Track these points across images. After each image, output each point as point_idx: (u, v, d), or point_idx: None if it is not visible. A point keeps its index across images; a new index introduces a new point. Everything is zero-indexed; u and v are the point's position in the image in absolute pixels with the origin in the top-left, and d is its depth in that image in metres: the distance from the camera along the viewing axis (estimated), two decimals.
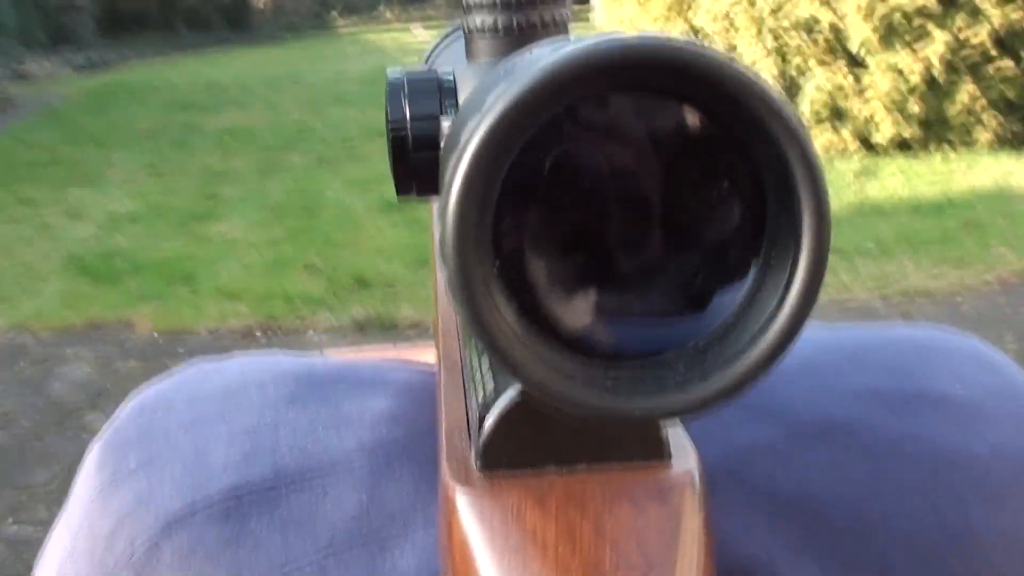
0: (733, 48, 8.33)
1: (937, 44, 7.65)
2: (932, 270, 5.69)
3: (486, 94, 0.41)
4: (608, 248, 0.45)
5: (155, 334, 5.45)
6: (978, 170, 7.67)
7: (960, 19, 7.71)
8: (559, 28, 0.61)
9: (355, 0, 27.24)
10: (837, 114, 8.10)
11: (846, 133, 8.08)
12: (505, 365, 0.41)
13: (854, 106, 7.94)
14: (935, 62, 7.66)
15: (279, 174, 9.14)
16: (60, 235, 7.33)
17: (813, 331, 0.80)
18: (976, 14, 7.71)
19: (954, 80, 7.83)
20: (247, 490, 0.64)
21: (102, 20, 21.08)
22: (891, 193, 7.21)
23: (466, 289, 0.40)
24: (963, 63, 7.79)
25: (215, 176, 9.10)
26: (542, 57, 0.40)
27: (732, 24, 8.28)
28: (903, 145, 8.11)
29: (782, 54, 8.09)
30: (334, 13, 26.52)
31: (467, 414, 0.57)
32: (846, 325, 0.78)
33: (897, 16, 7.66)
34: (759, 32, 8.08)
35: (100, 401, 4.66)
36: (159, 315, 5.67)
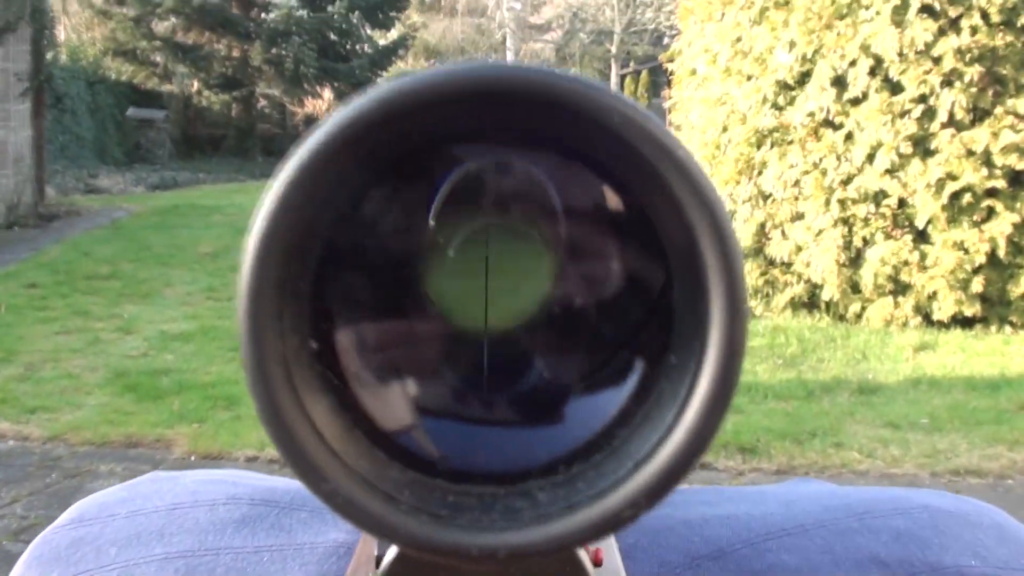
0: (800, 216, 8.32)
1: (1003, 223, 7.59)
2: (985, 450, 5.56)
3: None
4: (451, 336, 0.37)
5: (192, 456, 5.39)
6: None
7: None
8: None
9: None
10: (899, 287, 8.02)
11: (907, 307, 8.00)
12: (301, 474, 0.33)
13: (917, 281, 7.87)
14: (1000, 242, 7.59)
15: None
16: (109, 349, 7.36)
17: (817, 488, 0.72)
18: None
19: (1018, 260, 7.75)
20: None
21: (179, 142, 21.57)
22: (948, 369, 7.10)
23: (258, 369, 0.32)
24: None
25: None
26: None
27: (801, 192, 8.28)
28: (963, 322, 8.02)
29: (849, 224, 8.06)
30: None
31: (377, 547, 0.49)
32: (856, 487, 0.70)
33: (966, 195, 7.63)
34: (828, 201, 8.07)
35: None
36: (198, 437, 5.62)
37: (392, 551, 0.42)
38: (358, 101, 0.31)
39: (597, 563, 0.45)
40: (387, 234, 0.36)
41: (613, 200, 0.35)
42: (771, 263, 8.62)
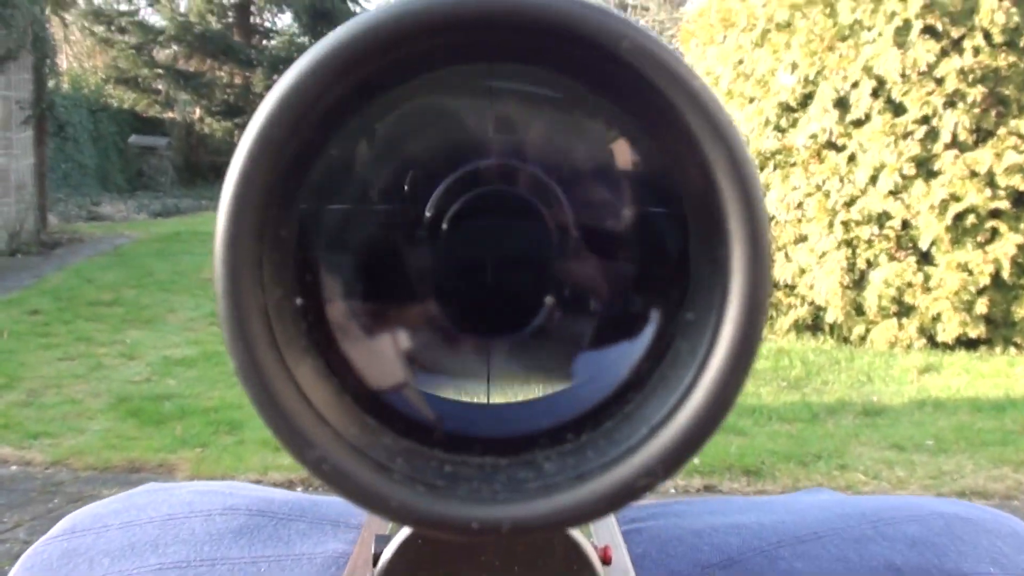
0: (803, 238, 8.32)
1: (1007, 244, 7.58)
2: (991, 471, 5.54)
3: None
4: (448, 288, 0.34)
5: (194, 481, 5.34)
6: None
7: None
8: None
9: None
10: (903, 309, 8.00)
11: (911, 328, 7.98)
12: (284, 439, 0.30)
13: (921, 302, 7.85)
14: (1004, 263, 7.57)
15: None
16: (112, 375, 7.34)
17: (828, 496, 0.70)
18: None
19: (1023, 281, 7.74)
20: None
21: (182, 169, 21.59)
22: (953, 391, 7.07)
23: (237, 323, 0.29)
24: None
25: None
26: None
27: (804, 214, 8.27)
28: (968, 343, 7.99)
29: (852, 246, 8.05)
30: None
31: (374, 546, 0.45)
32: (868, 496, 0.69)
33: (970, 216, 7.62)
34: (831, 223, 8.06)
35: None
36: (201, 461, 5.60)
37: (390, 548, 0.40)
38: (349, 24, 0.29)
39: (606, 561, 0.43)
40: (379, 185, 0.34)
41: (624, 146, 0.33)
42: (775, 285, 8.61)
